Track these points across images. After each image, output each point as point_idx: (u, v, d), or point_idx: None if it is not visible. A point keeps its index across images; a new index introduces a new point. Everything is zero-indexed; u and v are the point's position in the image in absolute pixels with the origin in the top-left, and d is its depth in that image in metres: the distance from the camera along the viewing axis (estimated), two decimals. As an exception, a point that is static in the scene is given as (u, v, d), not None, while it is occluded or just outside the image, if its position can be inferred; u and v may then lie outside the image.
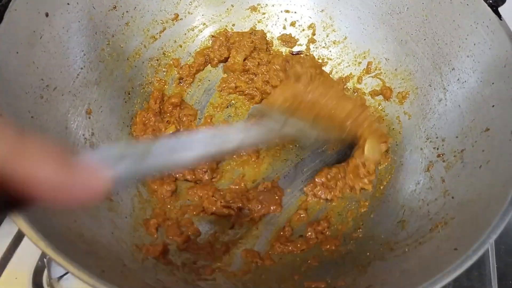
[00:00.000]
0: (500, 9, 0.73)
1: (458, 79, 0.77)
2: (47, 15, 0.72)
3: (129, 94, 0.87)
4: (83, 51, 0.79)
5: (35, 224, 0.52)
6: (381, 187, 0.81)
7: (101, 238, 0.63)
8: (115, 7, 0.84)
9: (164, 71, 0.93)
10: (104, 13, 0.82)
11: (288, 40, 0.98)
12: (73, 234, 0.59)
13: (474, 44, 0.75)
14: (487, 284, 0.80)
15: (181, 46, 0.95)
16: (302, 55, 0.97)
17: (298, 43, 0.98)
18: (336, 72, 0.96)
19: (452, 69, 0.78)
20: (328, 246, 0.74)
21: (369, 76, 0.93)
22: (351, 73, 0.95)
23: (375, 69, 0.92)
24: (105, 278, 0.50)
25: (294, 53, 0.98)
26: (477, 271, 0.81)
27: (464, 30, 0.76)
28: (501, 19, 0.72)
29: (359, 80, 0.94)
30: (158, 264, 0.66)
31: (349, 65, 0.95)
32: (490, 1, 0.74)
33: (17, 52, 0.67)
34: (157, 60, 0.92)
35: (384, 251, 0.68)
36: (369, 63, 0.93)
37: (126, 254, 0.64)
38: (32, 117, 0.67)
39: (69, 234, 0.58)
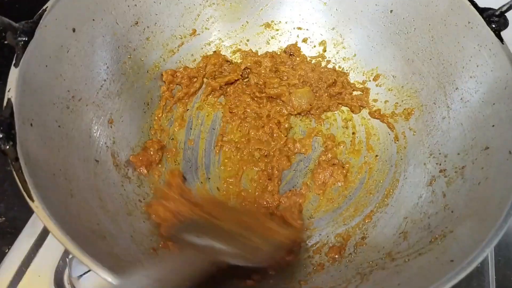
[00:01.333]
0: (503, 34, 0.77)
1: (461, 99, 0.81)
2: (74, 30, 0.77)
3: (148, 105, 0.92)
4: (106, 64, 0.84)
5: (63, 227, 0.56)
6: (386, 199, 0.85)
7: (121, 241, 0.68)
8: (137, 23, 0.89)
9: (181, 83, 0.98)
10: (126, 28, 0.87)
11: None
12: (96, 236, 0.64)
13: (477, 66, 0.79)
14: (486, 295, 0.83)
15: (196, 60, 1.00)
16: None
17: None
18: (345, 88, 1.00)
19: (456, 89, 0.82)
20: (333, 254, 0.78)
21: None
22: (359, 90, 0.99)
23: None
24: (127, 278, 0.54)
25: (289, 53, 1.04)
26: (476, 282, 0.84)
27: (468, 52, 0.80)
28: (503, 43, 0.76)
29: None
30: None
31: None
32: (493, 26, 0.77)
33: (46, 66, 0.72)
34: (175, 73, 0.97)
35: (386, 260, 0.71)
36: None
37: (143, 256, 0.68)
38: (59, 126, 0.72)
39: (92, 237, 0.63)
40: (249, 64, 1.00)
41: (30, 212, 0.88)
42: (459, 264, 0.57)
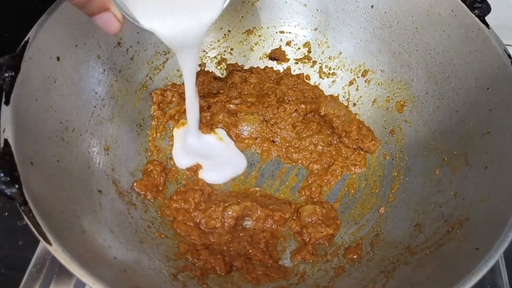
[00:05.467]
0: (487, 19, 0.78)
1: (454, 86, 0.82)
2: (58, 59, 0.74)
3: (140, 126, 0.90)
4: (94, 89, 0.82)
5: (86, 266, 0.54)
6: (393, 193, 0.86)
7: (141, 271, 0.66)
8: (119, 44, 0.87)
9: (169, 99, 0.96)
10: (109, 50, 0.85)
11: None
12: (117, 272, 0.61)
13: (466, 53, 0.80)
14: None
15: (181, 76, 0.98)
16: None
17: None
18: (334, 87, 1.02)
19: (447, 77, 0.84)
20: (350, 255, 0.78)
21: (366, 88, 0.98)
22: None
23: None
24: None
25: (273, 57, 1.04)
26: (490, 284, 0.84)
27: (455, 39, 0.82)
28: (489, 28, 0.77)
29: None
30: (198, 291, 0.69)
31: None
32: (477, 12, 0.79)
33: (36, 99, 0.68)
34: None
35: (406, 255, 0.72)
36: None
37: (166, 285, 0.67)
38: (58, 161, 0.69)
39: (114, 272, 0.61)
40: (236, 80, 0.99)
41: (21, 249, 0.86)
42: (486, 251, 0.58)
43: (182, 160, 0.90)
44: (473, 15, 0.79)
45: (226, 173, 0.90)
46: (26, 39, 0.69)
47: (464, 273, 0.57)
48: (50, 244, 0.54)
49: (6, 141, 0.60)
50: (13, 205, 0.92)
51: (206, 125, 0.93)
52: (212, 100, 0.96)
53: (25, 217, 0.56)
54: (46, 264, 0.83)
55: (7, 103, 0.63)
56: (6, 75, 0.65)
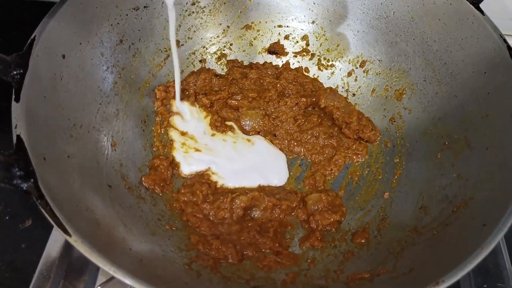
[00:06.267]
0: (482, 5, 0.81)
1: (451, 72, 0.85)
2: (63, 57, 0.75)
3: (145, 122, 0.91)
4: (99, 87, 0.82)
5: (107, 257, 0.55)
6: (396, 179, 0.88)
7: (157, 261, 0.67)
8: (121, 41, 0.87)
9: (171, 96, 0.97)
10: (112, 48, 0.86)
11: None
12: (134, 261, 0.62)
13: (462, 39, 0.83)
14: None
15: (183, 71, 0.99)
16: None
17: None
18: (333, 78, 1.03)
19: (444, 64, 0.86)
20: (358, 240, 0.79)
21: (364, 78, 1.00)
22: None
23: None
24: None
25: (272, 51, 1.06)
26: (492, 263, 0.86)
27: (451, 27, 0.84)
28: (484, 15, 0.80)
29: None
30: (212, 278, 0.69)
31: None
32: (471, -1, 0.82)
33: (44, 97, 0.69)
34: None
35: (414, 236, 0.74)
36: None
37: (182, 273, 0.68)
38: (68, 156, 0.70)
39: (131, 261, 0.61)
40: (236, 76, 1.00)
41: (24, 252, 0.86)
42: (494, 226, 0.60)
43: (185, 168, 0.90)
44: (468, 3, 0.81)
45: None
46: (32, 36, 0.70)
47: (473, 248, 0.59)
48: (69, 235, 0.55)
49: (18, 137, 0.60)
50: (14, 209, 0.92)
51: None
52: (214, 98, 0.97)
53: (43, 211, 0.57)
54: (55, 262, 0.83)
55: (17, 100, 0.64)
56: (15, 72, 0.66)
